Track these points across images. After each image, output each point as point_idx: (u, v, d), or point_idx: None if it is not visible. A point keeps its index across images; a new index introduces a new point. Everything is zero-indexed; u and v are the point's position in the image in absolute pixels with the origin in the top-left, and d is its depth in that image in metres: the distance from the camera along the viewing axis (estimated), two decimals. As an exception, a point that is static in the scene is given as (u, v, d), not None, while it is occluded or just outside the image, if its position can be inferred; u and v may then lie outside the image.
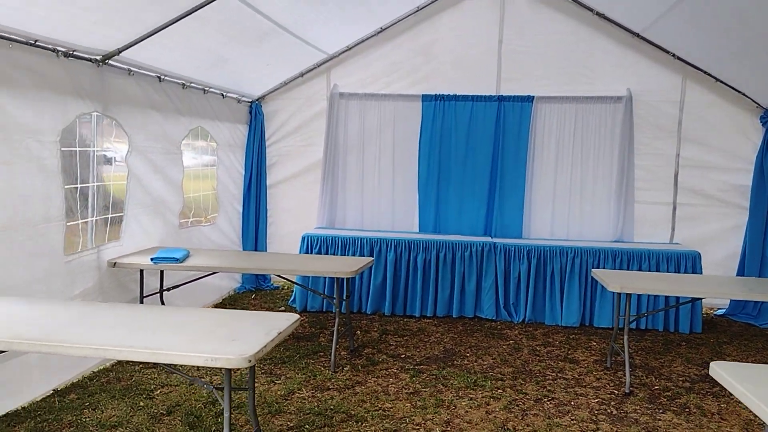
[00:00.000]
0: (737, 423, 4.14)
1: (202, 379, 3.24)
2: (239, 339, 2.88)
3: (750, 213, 6.83)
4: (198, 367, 4.62)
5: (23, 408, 4.00)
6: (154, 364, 4.84)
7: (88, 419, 3.89)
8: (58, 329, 2.97)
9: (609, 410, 4.31)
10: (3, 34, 3.75)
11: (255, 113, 7.50)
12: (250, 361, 2.64)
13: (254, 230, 7.55)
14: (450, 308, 6.69)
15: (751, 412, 3.14)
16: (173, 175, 5.93)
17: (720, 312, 7.09)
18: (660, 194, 7.09)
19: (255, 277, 7.62)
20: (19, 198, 3.92)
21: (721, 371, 2.74)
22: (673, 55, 6.84)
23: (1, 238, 3.79)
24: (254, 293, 7.42)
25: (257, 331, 2.98)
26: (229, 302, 6.98)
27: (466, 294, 6.65)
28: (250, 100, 7.50)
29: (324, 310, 6.79)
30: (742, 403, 2.54)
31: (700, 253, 6.39)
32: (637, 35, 6.85)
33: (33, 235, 4.05)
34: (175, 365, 3.24)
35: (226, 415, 2.85)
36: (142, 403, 4.15)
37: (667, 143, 7.04)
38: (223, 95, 6.82)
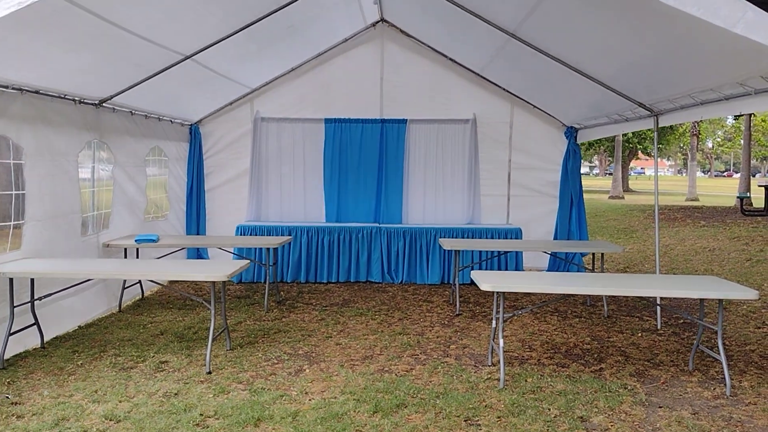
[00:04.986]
0: (519, 322, 6.80)
1: (195, 297, 5.39)
2: (217, 270, 5.17)
3: (559, 200, 9.68)
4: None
5: (61, 336, 6.10)
6: (140, 312, 7.01)
7: (109, 337, 6.04)
8: (113, 270, 5.16)
9: (443, 322, 6.88)
10: (48, 92, 5.86)
11: (194, 133, 9.67)
12: (228, 277, 4.96)
13: (196, 224, 9.70)
14: (349, 275, 9.16)
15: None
16: (140, 182, 8.05)
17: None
18: (499, 188, 9.83)
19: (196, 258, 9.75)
20: (58, 197, 6.03)
21: (474, 274, 5.29)
22: (504, 89, 9.60)
23: (49, 224, 5.89)
24: (198, 273, 9.56)
25: (226, 267, 5.30)
26: (180, 279, 9.12)
27: (360, 264, 9.14)
28: (190, 124, 9.65)
29: (255, 281, 9.07)
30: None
31: (521, 228, 9.16)
32: (478, 74, 9.56)
33: (62, 223, 6.16)
34: (184, 283, 5.44)
35: (212, 311, 5.14)
36: (141, 330, 6.33)
37: (502, 152, 9.80)
38: (171, 121, 8.97)
